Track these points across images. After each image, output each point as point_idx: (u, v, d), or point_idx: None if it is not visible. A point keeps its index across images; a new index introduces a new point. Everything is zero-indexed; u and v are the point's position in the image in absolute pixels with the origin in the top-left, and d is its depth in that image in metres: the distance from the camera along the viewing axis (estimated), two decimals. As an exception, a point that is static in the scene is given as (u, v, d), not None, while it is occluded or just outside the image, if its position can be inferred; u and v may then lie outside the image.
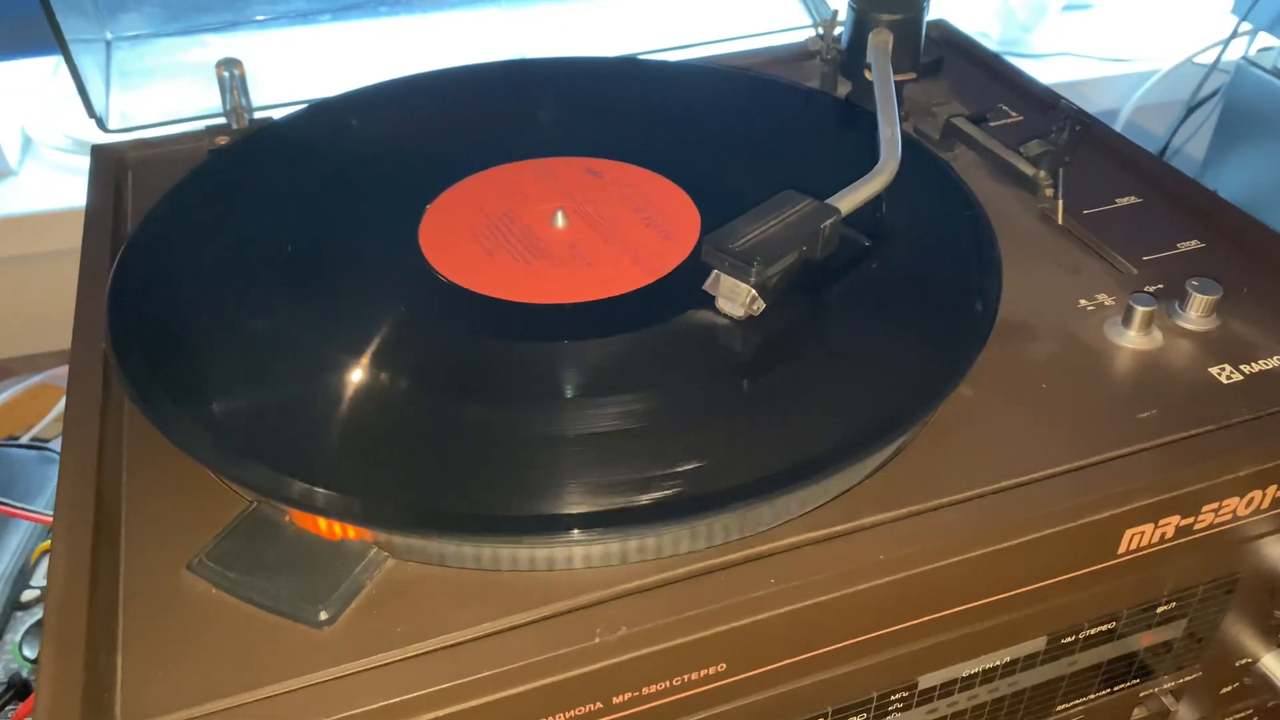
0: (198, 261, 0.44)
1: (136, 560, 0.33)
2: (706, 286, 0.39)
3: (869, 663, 0.35)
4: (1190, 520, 0.37)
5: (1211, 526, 0.37)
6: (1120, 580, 0.37)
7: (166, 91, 0.59)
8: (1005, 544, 0.34)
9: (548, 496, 0.33)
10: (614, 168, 0.49)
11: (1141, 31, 1.05)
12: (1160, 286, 0.43)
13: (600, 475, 0.33)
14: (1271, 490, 0.37)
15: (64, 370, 0.71)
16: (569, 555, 0.32)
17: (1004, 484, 0.35)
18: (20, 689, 0.51)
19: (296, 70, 0.62)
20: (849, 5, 0.55)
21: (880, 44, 0.53)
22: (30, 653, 0.52)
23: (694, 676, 0.32)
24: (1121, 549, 0.36)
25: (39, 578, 0.56)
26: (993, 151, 0.50)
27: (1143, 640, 0.41)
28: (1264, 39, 0.86)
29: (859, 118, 0.52)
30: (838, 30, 0.61)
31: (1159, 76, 0.97)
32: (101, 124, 0.54)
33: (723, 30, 0.63)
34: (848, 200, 0.42)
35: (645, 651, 0.30)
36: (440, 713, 0.29)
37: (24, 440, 0.68)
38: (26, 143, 0.86)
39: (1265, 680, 0.44)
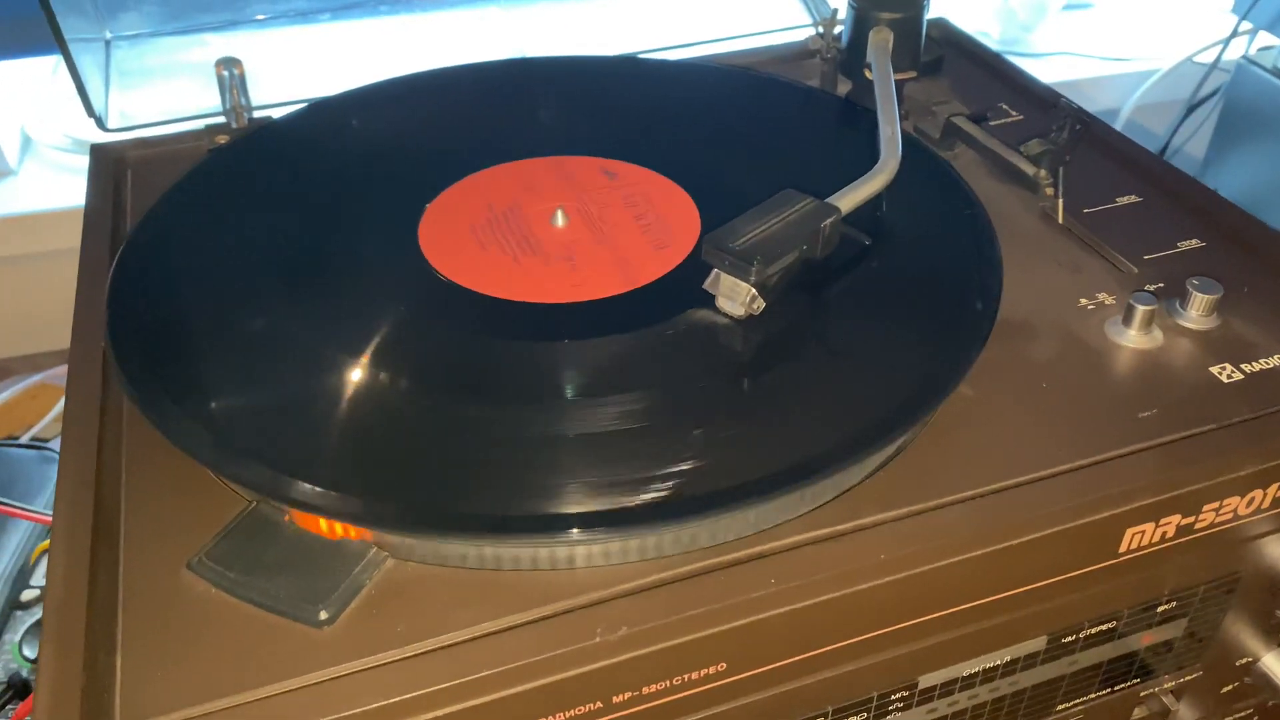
0: (197, 261, 0.43)
1: (136, 560, 0.33)
2: (707, 285, 0.39)
3: (869, 662, 0.35)
4: (1191, 520, 0.37)
5: (1212, 526, 0.37)
6: (1121, 580, 0.37)
7: (166, 91, 0.59)
8: (1006, 544, 0.34)
9: (548, 496, 0.33)
10: (629, 170, 0.49)
11: (1141, 31, 1.05)
12: (1161, 285, 0.43)
13: (600, 475, 0.33)
14: (1272, 489, 0.37)
15: (63, 370, 0.71)
16: (569, 555, 0.32)
17: (1004, 484, 0.35)
18: (20, 689, 0.51)
19: (296, 70, 0.62)
20: (849, 4, 0.55)
21: (880, 43, 0.53)
22: (30, 652, 0.52)
23: (694, 676, 0.32)
24: (1122, 548, 0.36)
25: (39, 577, 0.56)
26: (993, 150, 0.50)
27: (1143, 640, 0.41)
28: (1264, 38, 0.86)
29: (859, 117, 0.52)
30: (838, 29, 0.61)
31: (1159, 76, 0.97)
32: (101, 123, 0.54)
33: (723, 29, 0.63)
34: (848, 199, 0.42)
35: (645, 651, 0.30)
36: (440, 712, 0.29)
37: (23, 440, 0.68)
38: (26, 142, 0.86)
39: (1266, 680, 0.44)
